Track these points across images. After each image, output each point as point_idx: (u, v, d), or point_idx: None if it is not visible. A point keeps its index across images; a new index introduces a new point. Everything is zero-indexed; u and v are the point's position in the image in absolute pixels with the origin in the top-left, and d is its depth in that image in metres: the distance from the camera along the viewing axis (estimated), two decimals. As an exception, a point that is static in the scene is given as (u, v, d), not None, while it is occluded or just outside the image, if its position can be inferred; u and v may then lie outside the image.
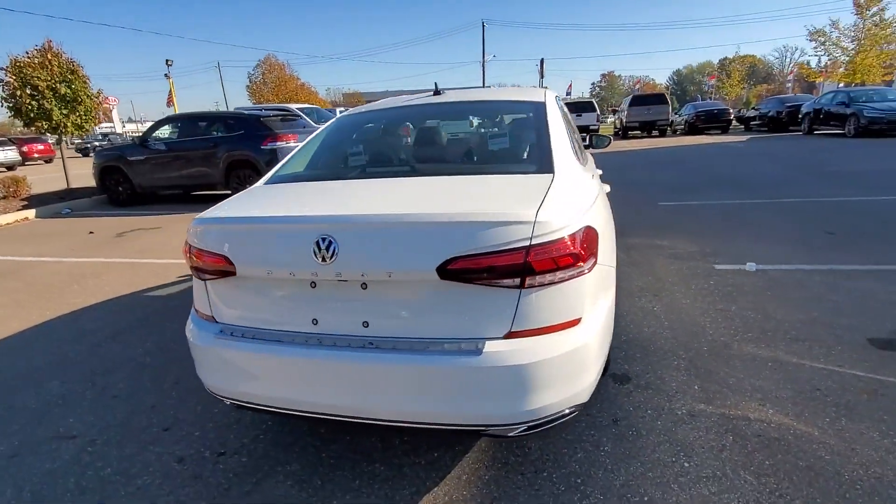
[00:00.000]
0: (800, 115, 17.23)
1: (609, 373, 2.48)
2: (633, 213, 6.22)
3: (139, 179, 9.23)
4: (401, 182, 1.97)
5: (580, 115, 20.25)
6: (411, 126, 2.67)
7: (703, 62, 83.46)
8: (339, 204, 1.72)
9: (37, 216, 8.78)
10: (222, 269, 1.67)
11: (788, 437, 1.99)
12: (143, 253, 5.79)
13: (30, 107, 9.13)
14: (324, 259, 1.48)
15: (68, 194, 10.04)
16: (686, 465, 1.87)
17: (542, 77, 40.13)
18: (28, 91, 9.04)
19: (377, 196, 1.79)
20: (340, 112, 13.53)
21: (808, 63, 43.09)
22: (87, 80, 9.82)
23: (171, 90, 31.30)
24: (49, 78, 9.14)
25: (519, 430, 1.54)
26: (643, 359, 2.65)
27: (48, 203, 9.28)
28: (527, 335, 1.47)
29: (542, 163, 1.93)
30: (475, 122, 2.60)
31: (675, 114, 24.38)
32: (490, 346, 1.44)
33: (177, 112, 27.57)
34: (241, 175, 8.74)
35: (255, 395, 1.70)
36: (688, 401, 2.27)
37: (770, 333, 2.85)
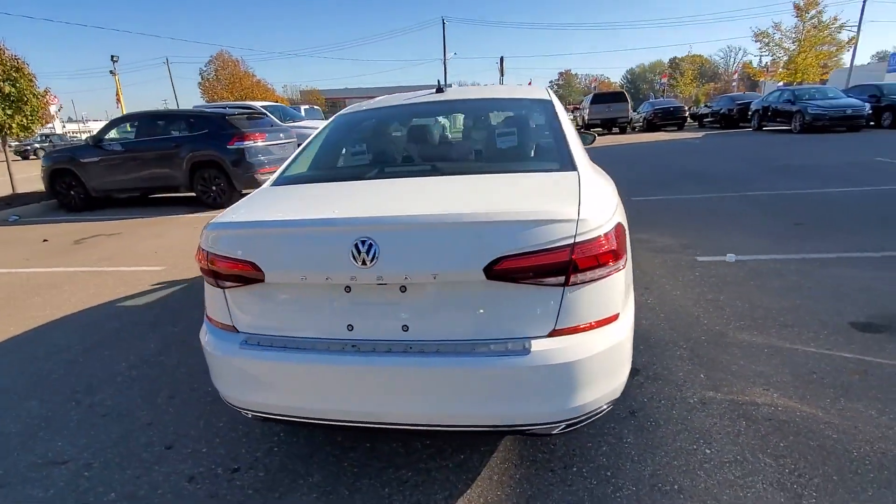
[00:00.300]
0: (749, 113, 18.19)
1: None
2: (609, 208, 6.37)
3: (93, 182, 8.69)
4: (427, 181, 1.93)
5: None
6: (423, 124, 2.62)
7: (655, 61, 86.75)
8: (375, 205, 1.66)
9: (-21, 224, 8.13)
10: (247, 276, 1.58)
11: (796, 418, 2.09)
12: (108, 261, 5.45)
13: (-30, 107, 8.44)
14: (364, 262, 1.43)
15: (14, 200, 9.35)
16: (707, 451, 1.93)
17: (502, 75, 40.51)
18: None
19: (410, 196, 1.75)
20: (306, 110, 13.11)
21: (751, 62, 45.50)
22: (34, 79, 9.16)
23: (117, 88, 29.67)
24: (-9, 76, 8.48)
25: (560, 427, 1.54)
26: (647, 350, 2.72)
27: (-9, 210, 8.61)
28: (570, 333, 1.47)
29: (564, 161, 1.94)
30: (487, 119, 2.58)
31: (634, 111, 25.21)
32: (537, 345, 1.43)
33: (125, 111, 26.21)
34: (206, 176, 8.40)
35: (282, 406, 1.63)
36: (697, 389, 2.34)
37: (760, 321, 2.98)
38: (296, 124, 11.15)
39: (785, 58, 27.52)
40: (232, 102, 13.27)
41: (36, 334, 3.54)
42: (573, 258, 1.41)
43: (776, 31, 27.05)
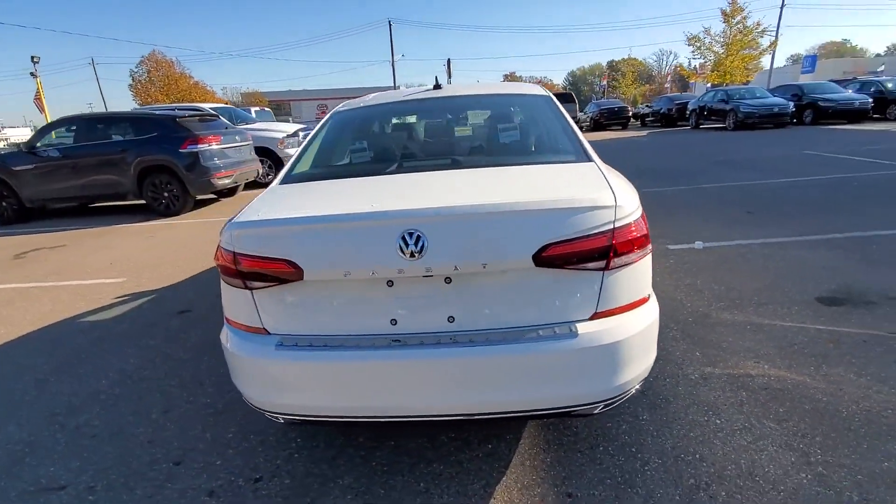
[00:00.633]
0: (687, 112, 19.37)
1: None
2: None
3: (28, 192, 7.98)
4: (454, 174, 1.93)
5: None
6: (432, 119, 2.62)
7: (594, 64, 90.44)
8: (417, 198, 1.65)
9: None
10: (283, 275, 1.52)
11: (788, 386, 2.27)
12: (57, 274, 5.04)
13: None
14: (412, 255, 1.42)
15: (-69, 213, 8.39)
16: (718, 421, 2.07)
17: (449, 77, 40.85)
18: None
19: (447, 188, 1.74)
20: (256, 112, 12.64)
21: (681, 64, 48.47)
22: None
23: (38, 90, 27.37)
24: None
25: (600, 407, 1.60)
26: (642, 333, 2.85)
27: None
28: (610, 315, 1.53)
29: (578, 153, 2.01)
30: (493, 114, 2.61)
31: (581, 112, 26.19)
32: (582, 328, 1.48)
33: (49, 117, 24.22)
34: (156, 182, 7.92)
35: (321, 406, 1.59)
36: (696, 366, 2.49)
37: (738, 301, 3.21)
38: (252, 127, 10.75)
39: (714, 60, 29.57)
40: (184, 105, 12.53)
41: (-8, 356, 3.23)
42: (613, 243, 1.48)
43: (706, 35, 29.04)
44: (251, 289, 1.60)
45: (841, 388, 2.22)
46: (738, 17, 27.32)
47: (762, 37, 27.98)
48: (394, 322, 1.53)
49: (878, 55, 62.63)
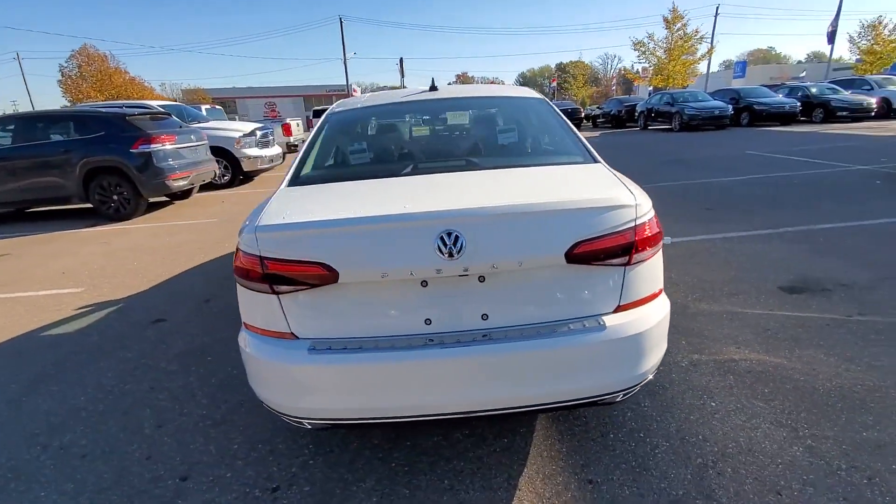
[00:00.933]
0: (636, 114, 20.30)
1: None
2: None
3: (-43, 197, 7.28)
4: (473, 175, 1.96)
5: None
6: (438, 121, 2.62)
7: (544, 66, 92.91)
8: (451, 198, 1.66)
9: None
10: (316, 279, 1.50)
11: (769, 368, 2.46)
12: (5, 286, 4.65)
13: None
14: (450, 255, 1.45)
15: None
16: (713, 404, 2.22)
17: (402, 76, 40.70)
18: None
19: (474, 189, 1.77)
20: (207, 110, 12.10)
21: (626, 68, 50.73)
22: None
23: (-47, 84, 24.91)
24: None
25: (621, 395, 1.69)
26: (630, 325, 3.00)
27: None
28: (631, 307, 1.62)
29: (584, 154, 2.10)
30: (496, 116, 2.65)
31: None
32: (609, 321, 1.56)
33: (-32, 112, 22.11)
34: (104, 185, 7.44)
35: (354, 409, 1.58)
36: (684, 354, 2.65)
37: (710, 292, 3.43)
38: (206, 126, 10.29)
39: (657, 64, 31.20)
40: (131, 102, 11.76)
41: (-56, 377, 2.94)
42: (635, 239, 1.57)
43: (650, 40, 30.55)
44: (278, 293, 1.57)
45: (815, 368, 2.43)
46: (679, 24, 28.96)
47: (700, 43, 29.82)
48: (428, 322, 1.55)
49: (799, 62, 68.30)
